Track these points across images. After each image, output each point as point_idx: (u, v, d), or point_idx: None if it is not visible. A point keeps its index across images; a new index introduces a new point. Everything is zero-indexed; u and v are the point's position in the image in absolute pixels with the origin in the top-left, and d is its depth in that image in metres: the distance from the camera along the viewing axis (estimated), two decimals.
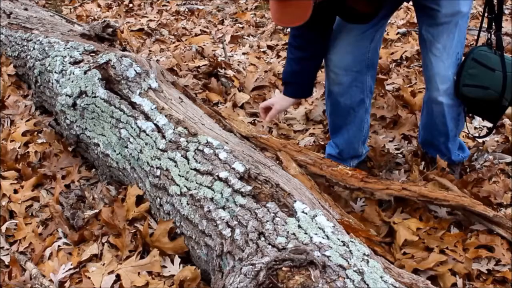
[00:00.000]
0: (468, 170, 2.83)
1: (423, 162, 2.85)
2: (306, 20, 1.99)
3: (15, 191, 2.76)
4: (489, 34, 2.44)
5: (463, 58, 2.46)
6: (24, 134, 3.28)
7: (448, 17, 2.35)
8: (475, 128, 3.24)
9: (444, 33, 2.38)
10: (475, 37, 2.62)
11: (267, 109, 2.63)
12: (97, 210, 2.49)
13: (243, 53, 4.69)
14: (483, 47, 2.45)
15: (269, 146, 2.51)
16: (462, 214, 2.36)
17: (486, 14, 2.44)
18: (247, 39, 5.17)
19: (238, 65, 4.33)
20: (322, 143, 3.12)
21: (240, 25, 5.63)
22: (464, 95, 2.44)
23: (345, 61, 2.53)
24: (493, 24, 2.42)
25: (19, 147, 3.14)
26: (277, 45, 4.86)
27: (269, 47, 4.86)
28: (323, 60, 2.59)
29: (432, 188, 2.38)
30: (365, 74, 2.60)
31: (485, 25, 2.46)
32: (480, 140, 3.09)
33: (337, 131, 2.78)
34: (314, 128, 3.37)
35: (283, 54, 4.61)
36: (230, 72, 4.08)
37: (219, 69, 4.09)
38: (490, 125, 2.72)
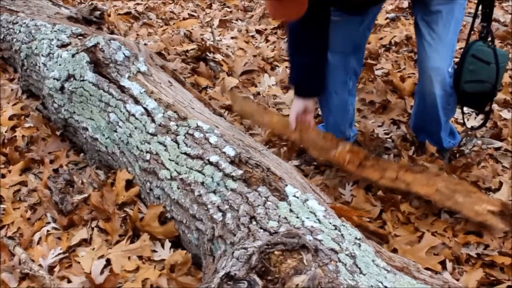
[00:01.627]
0: (457, 155, 2.84)
1: (412, 147, 2.86)
2: (302, 15, 1.98)
3: (3, 176, 2.73)
4: (483, 28, 2.45)
5: (462, 53, 2.48)
6: (11, 118, 3.24)
7: (442, 5, 2.35)
8: (464, 113, 3.24)
9: (439, 21, 2.37)
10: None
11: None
12: (86, 195, 2.48)
13: (232, 37, 4.66)
14: (479, 42, 2.46)
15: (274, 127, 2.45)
16: None
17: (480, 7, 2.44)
18: (235, 23, 5.14)
19: (227, 49, 4.30)
20: None
21: (229, 9, 5.59)
22: (465, 91, 2.46)
23: (330, 40, 2.52)
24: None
25: (6, 132, 3.10)
26: (265, 29, 4.84)
27: (257, 31, 4.83)
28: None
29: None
30: (349, 56, 2.60)
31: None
32: (469, 125, 3.10)
33: (323, 113, 2.81)
34: None
35: (272, 38, 4.60)
36: (218, 57, 4.06)
37: (207, 53, 4.06)
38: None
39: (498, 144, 2.95)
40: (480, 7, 2.45)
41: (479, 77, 2.43)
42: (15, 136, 3.07)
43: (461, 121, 2.97)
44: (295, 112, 2.54)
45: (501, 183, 2.58)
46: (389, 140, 3.02)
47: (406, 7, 4.94)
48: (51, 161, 2.83)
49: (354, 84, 2.76)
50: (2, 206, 2.52)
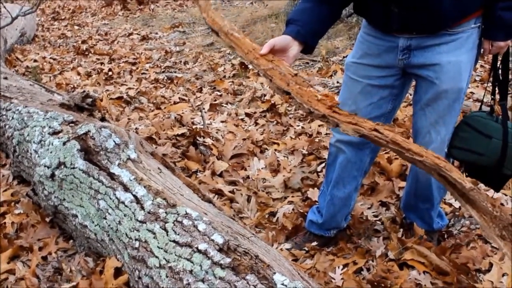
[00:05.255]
0: (445, 236, 2.85)
1: (401, 229, 2.87)
2: None
3: None
4: (492, 101, 2.44)
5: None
6: (1, 204, 3.25)
7: (449, 93, 2.29)
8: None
9: (446, 108, 2.33)
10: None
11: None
12: (74, 283, 2.46)
13: (222, 121, 4.74)
14: (480, 113, 2.43)
15: (238, 46, 2.04)
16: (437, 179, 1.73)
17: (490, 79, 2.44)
18: (225, 106, 5.23)
19: (217, 133, 4.37)
20: (301, 210, 3.13)
21: (219, 93, 5.70)
22: (452, 156, 2.44)
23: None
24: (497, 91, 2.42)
25: None
26: (255, 112, 4.92)
27: (247, 114, 4.91)
28: None
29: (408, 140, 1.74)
30: (364, 150, 2.60)
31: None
32: (457, 206, 3.12)
33: (323, 199, 2.79)
34: (293, 196, 3.38)
35: (261, 121, 4.68)
36: (208, 140, 4.11)
37: (197, 137, 4.12)
38: None
39: None
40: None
41: (471, 146, 2.37)
42: (5, 223, 3.06)
43: (449, 201, 3.00)
44: (274, 40, 2.08)
45: (491, 264, 2.58)
46: (378, 222, 3.03)
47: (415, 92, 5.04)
48: (40, 248, 2.82)
49: (361, 181, 2.77)
50: None
